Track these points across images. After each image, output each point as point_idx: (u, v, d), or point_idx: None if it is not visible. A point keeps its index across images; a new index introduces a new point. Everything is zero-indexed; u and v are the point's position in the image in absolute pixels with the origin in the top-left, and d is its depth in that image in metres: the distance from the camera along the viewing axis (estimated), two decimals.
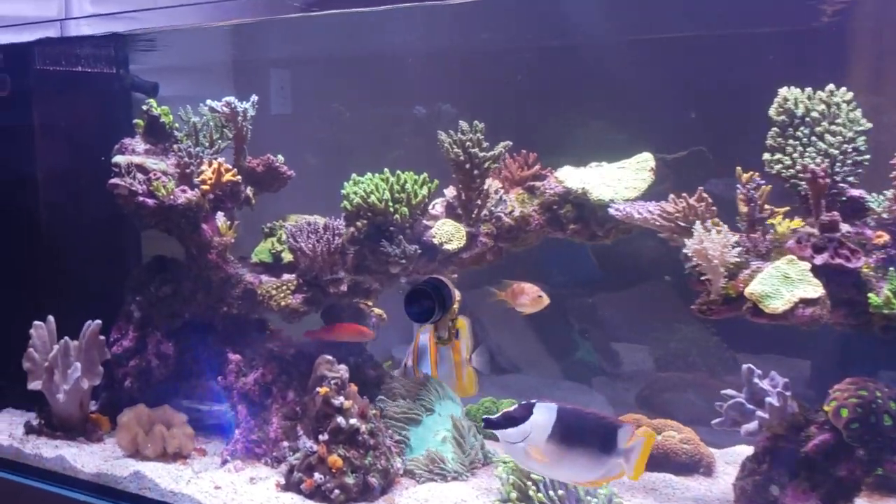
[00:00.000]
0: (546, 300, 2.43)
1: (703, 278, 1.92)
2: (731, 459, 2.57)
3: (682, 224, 2.02)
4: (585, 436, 1.61)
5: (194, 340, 2.75)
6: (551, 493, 2.05)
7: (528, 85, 3.33)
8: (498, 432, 1.63)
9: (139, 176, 2.59)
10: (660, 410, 2.87)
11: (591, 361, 3.30)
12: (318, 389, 2.35)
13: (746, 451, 2.60)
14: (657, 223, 2.08)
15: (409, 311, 1.91)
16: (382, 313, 2.87)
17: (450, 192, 2.54)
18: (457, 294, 2.06)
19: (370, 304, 2.84)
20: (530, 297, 2.43)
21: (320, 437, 2.31)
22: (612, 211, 2.25)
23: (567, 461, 1.61)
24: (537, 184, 2.54)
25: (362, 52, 3.51)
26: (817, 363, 2.99)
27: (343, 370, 2.38)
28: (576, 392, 3.27)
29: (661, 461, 2.46)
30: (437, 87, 3.49)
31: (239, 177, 2.61)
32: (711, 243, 1.85)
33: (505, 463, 2.22)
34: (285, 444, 2.50)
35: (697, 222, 1.95)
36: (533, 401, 1.61)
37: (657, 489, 2.36)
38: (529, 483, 2.09)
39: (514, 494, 2.12)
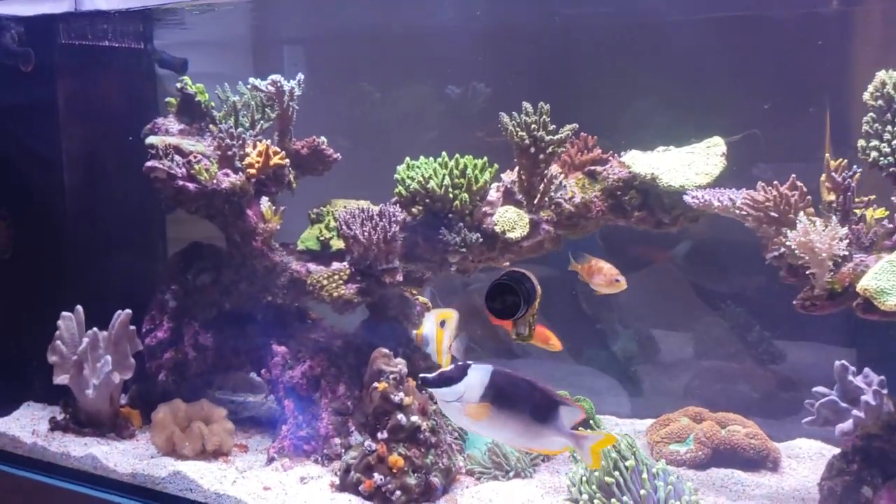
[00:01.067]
0: (623, 284, 2.33)
1: (808, 272, 1.82)
2: (793, 453, 2.50)
3: (773, 214, 1.92)
4: (518, 402, 1.65)
5: (234, 331, 2.62)
6: (626, 498, 1.96)
7: (567, 63, 3.19)
8: (433, 391, 1.69)
9: (177, 158, 2.44)
10: (711, 402, 2.78)
11: (632, 350, 3.21)
12: (376, 385, 2.23)
13: (807, 444, 2.55)
14: (742, 213, 1.98)
15: (491, 307, 1.80)
16: (428, 302, 2.75)
17: (508, 176, 2.42)
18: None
19: (415, 292, 2.72)
20: (607, 278, 2.33)
21: (379, 435, 2.20)
22: (687, 199, 2.15)
23: (498, 424, 1.67)
24: (598, 168, 2.44)
25: (391, 27, 3.37)
26: (865, 352, 2.92)
27: (401, 364, 2.27)
28: (612, 384, 3.18)
29: (727, 456, 2.38)
30: (471, 65, 3.36)
31: (287, 160, 2.47)
32: (818, 236, 1.75)
33: (577, 460, 2.13)
34: (337, 440, 2.39)
35: (801, 214, 1.86)
36: (469, 362, 1.67)
37: (726, 486, 2.28)
38: (606, 482, 2.01)
39: (584, 497, 2.03)
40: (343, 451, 2.35)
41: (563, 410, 1.66)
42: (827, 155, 1.97)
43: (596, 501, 2.00)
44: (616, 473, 2.00)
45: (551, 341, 2.49)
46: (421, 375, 1.75)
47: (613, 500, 1.99)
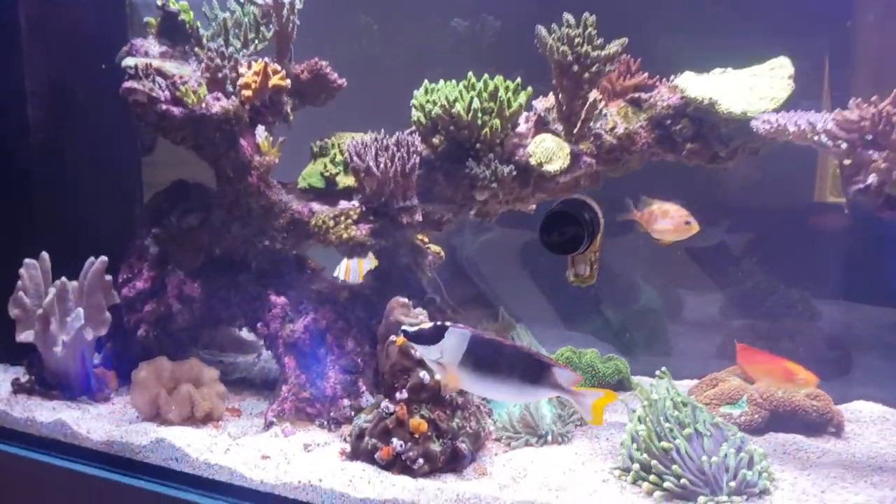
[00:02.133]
0: (695, 227, 2.03)
1: None
2: (853, 417, 2.26)
3: (869, 136, 1.64)
4: (504, 367, 1.55)
5: (225, 281, 2.30)
6: (690, 463, 1.70)
7: None
8: (416, 346, 1.60)
9: (159, 80, 2.11)
10: None
11: (656, 309, 2.94)
12: (394, 338, 1.93)
13: (868, 407, 2.31)
14: (825, 139, 1.70)
15: (547, 240, 1.51)
16: (440, 251, 2.46)
17: (541, 103, 2.12)
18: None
19: (426, 239, 2.43)
20: (675, 222, 2.02)
21: (397, 395, 1.90)
22: (756, 124, 1.87)
23: (488, 388, 1.60)
24: (643, 95, 2.15)
25: None
26: None
27: (422, 315, 1.98)
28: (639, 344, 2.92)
29: (786, 419, 2.12)
30: None
31: (287, 81, 2.15)
32: None
33: (638, 418, 1.86)
34: (345, 402, 2.09)
35: None
36: (447, 323, 1.56)
37: (788, 452, 2.02)
38: (663, 448, 1.74)
39: (636, 466, 1.77)
40: (353, 413, 2.05)
41: (556, 371, 1.53)
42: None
43: (652, 476, 1.73)
44: (677, 441, 1.73)
45: (799, 376, 2.04)
46: (402, 327, 1.62)
47: (675, 466, 1.72)
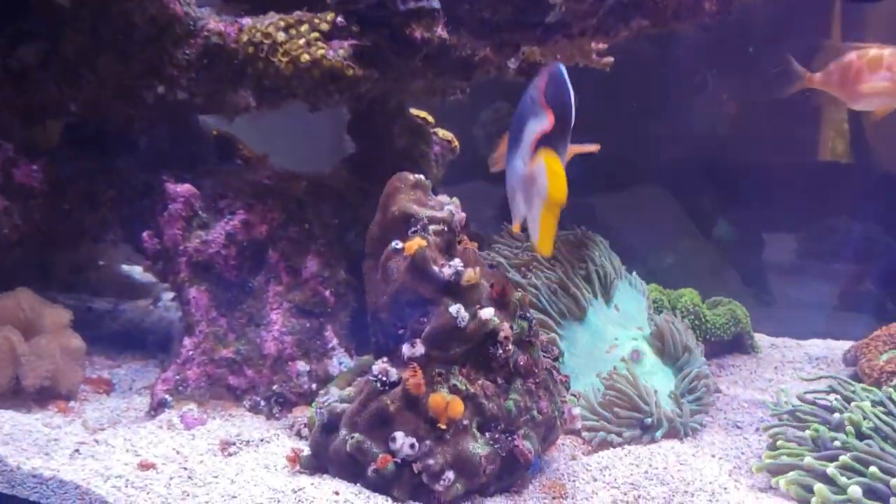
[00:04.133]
0: None
1: None
2: None
3: None
4: None
5: (87, 160, 1.35)
6: None
7: None
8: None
9: None
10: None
11: (730, 240, 2.11)
12: (398, 244, 1.02)
13: None
14: None
15: None
16: (453, 139, 1.56)
17: None
18: None
19: (431, 120, 1.53)
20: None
21: (406, 349, 0.99)
22: None
23: None
24: None
25: None
26: None
27: (450, 205, 1.07)
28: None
29: None
30: None
31: None
32: None
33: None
34: (300, 365, 1.17)
35: None
36: None
37: None
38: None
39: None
40: (314, 386, 1.14)
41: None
42: None
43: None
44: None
45: None
46: None
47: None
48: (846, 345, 1.58)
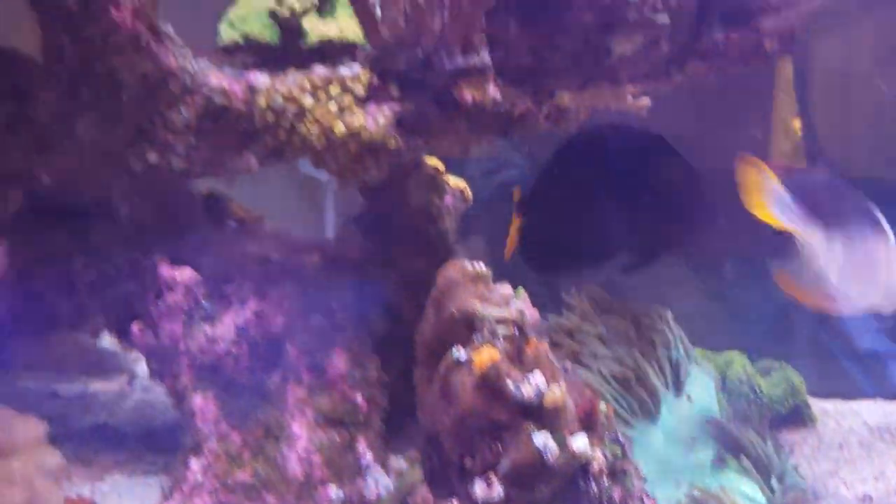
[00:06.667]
0: None
1: None
2: None
3: None
4: None
5: (63, 241, 1.15)
6: None
7: None
8: None
9: None
10: None
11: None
12: (459, 355, 0.85)
13: None
14: None
15: None
16: (465, 188, 1.40)
17: None
18: None
19: (441, 168, 1.36)
20: None
21: (477, 486, 0.82)
22: None
23: None
24: None
25: None
26: None
27: (517, 301, 0.90)
28: None
29: None
30: None
31: None
32: None
33: None
34: (333, 492, 0.98)
35: None
36: None
37: None
38: None
39: None
40: None
41: None
42: None
43: None
44: None
45: None
46: None
47: None
48: None
